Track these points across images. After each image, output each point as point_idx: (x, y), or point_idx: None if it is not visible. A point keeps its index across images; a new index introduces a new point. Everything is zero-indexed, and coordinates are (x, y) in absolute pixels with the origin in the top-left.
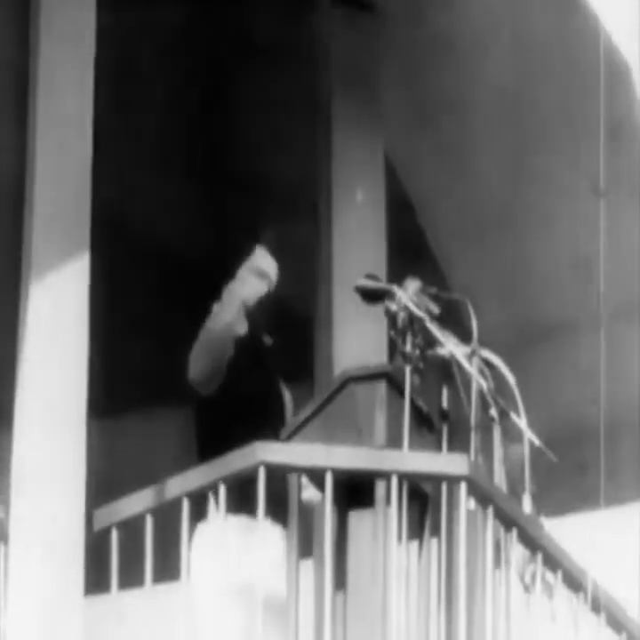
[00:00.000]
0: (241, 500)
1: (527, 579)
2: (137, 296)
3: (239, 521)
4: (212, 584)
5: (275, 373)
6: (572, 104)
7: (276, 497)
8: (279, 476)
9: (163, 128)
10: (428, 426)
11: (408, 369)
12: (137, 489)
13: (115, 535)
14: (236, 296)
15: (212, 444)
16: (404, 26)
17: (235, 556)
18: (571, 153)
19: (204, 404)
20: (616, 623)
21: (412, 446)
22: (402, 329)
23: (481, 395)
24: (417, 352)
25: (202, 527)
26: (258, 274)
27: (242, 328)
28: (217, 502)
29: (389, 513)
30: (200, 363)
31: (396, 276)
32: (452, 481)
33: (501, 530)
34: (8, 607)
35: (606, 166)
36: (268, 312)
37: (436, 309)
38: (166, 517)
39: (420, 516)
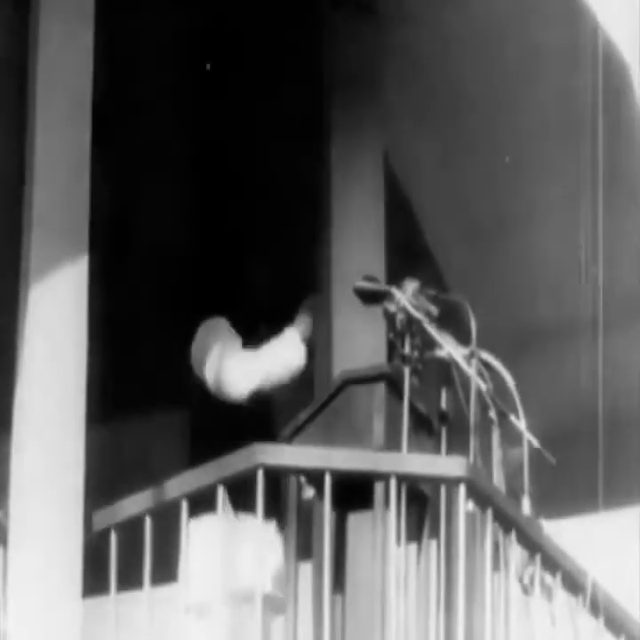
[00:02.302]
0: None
1: (526, 580)
2: (136, 296)
3: (235, 521)
4: (208, 585)
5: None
6: (573, 104)
7: (277, 497)
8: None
9: (162, 129)
10: (426, 428)
11: (407, 371)
12: (136, 490)
13: (113, 537)
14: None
15: (206, 446)
16: (405, 28)
17: (230, 557)
18: (570, 153)
19: (199, 408)
20: (615, 625)
21: (410, 448)
22: (400, 331)
23: (480, 396)
24: (416, 354)
25: (195, 527)
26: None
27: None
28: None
29: (388, 515)
30: (250, 386)
31: (395, 277)
32: (451, 483)
33: (500, 531)
34: (8, 608)
35: (605, 166)
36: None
37: (434, 311)
38: (165, 519)
39: (418, 518)
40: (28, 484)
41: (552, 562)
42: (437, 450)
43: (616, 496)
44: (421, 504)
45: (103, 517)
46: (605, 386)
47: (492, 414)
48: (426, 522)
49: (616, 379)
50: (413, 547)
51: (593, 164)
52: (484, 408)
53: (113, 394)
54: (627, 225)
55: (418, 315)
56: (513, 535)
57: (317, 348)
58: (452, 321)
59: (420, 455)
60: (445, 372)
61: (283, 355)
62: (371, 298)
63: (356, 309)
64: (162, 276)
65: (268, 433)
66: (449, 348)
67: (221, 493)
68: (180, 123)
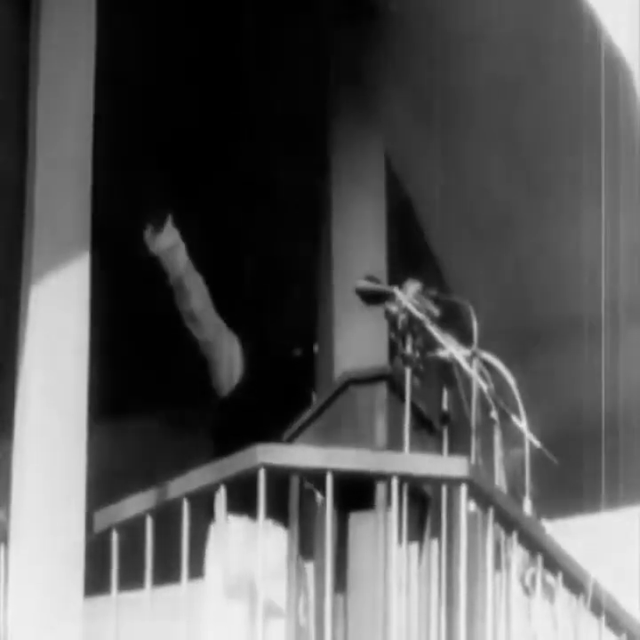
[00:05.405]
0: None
1: (528, 581)
2: (137, 297)
3: (248, 524)
4: (221, 586)
5: (304, 385)
6: (574, 105)
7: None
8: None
9: (164, 129)
10: (428, 428)
11: (408, 371)
12: (137, 490)
13: (115, 536)
14: (174, 279)
15: (209, 445)
16: (405, 27)
17: (242, 559)
18: (571, 153)
19: (228, 416)
20: (616, 625)
21: (412, 448)
22: (402, 331)
23: (481, 397)
24: (417, 354)
25: (214, 529)
26: (170, 251)
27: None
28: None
29: (390, 515)
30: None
31: (396, 277)
32: (453, 483)
33: (502, 532)
34: (8, 607)
35: (607, 167)
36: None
37: (436, 311)
38: (167, 519)
39: (420, 518)
40: (30, 482)
41: (553, 562)
42: (439, 450)
43: (617, 496)
44: (423, 504)
45: (105, 517)
46: (608, 386)
47: (494, 414)
48: (427, 522)
49: (618, 379)
50: (415, 547)
51: (595, 165)
52: (485, 408)
53: (115, 392)
54: (629, 226)
55: (419, 315)
56: (514, 535)
57: (318, 347)
58: (453, 322)
59: (421, 455)
60: (447, 373)
61: None
62: (372, 298)
63: (358, 310)
64: (162, 277)
65: (270, 434)
66: (450, 348)
67: (222, 493)
68: (182, 123)
